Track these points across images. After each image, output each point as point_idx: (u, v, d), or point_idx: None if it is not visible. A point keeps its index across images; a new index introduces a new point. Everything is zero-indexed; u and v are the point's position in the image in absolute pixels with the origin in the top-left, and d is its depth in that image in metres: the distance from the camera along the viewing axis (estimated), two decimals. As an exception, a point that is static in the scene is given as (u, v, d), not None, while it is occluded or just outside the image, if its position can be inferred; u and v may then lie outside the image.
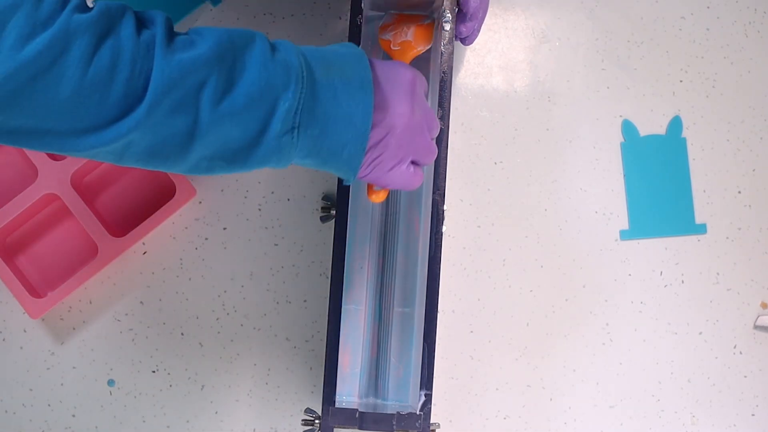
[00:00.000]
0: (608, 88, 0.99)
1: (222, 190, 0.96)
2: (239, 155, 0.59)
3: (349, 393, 0.81)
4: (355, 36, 0.78)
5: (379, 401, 0.82)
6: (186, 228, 0.96)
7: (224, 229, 0.96)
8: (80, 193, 0.91)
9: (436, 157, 0.71)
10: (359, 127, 0.61)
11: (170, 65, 0.54)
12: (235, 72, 0.56)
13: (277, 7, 0.98)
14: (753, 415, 1.00)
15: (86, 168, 0.93)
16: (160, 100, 0.53)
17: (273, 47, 0.59)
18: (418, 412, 0.75)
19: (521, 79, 0.99)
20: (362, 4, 0.78)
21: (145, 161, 0.57)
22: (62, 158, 0.91)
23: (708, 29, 1.01)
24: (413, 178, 0.69)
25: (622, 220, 0.99)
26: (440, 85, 0.79)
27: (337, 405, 0.77)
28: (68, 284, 0.90)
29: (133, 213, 0.95)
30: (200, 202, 0.96)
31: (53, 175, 0.91)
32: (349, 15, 0.79)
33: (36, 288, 0.93)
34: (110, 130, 0.53)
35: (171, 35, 0.56)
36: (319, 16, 0.98)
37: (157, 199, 0.94)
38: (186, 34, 0.58)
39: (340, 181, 0.79)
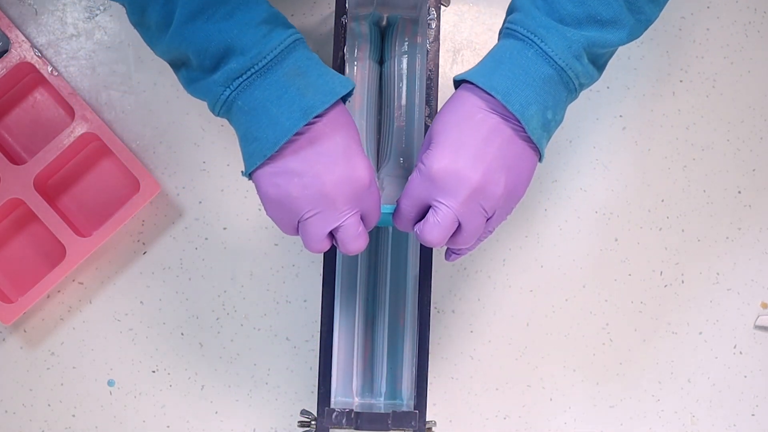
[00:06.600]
0: (608, 87, 0.99)
1: (222, 190, 0.96)
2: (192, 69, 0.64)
3: (345, 393, 0.81)
4: (340, 35, 0.78)
5: (374, 401, 0.82)
6: (186, 228, 0.96)
7: (224, 229, 0.96)
8: (44, 196, 0.90)
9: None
10: (270, 138, 0.61)
11: None
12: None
13: (277, 7, 0.98)
14: (753, 415, 0.99)
15: (49, 170, 0.92)
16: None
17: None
18: (413, 411, 0.75)
19: (521, 79, 0.99)
20: (347, 4, 0.78)
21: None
22: (23, 162, 0.91)
23: (708, 29, 1.00)
24: (312, 239, 0.65)
25: (621, 220, 0.99)
26: (427, 83, 0.79)
27: (332, 405, 0.77)
28: (38, 288, 0.90)
29: (99, 212, 0.95)
30: (200, 202, 0.96)
31: (16, 180, 0.90)
32: (334, 14, 0.79)
33: (6, 293, 0.93)
34: None
35: None
36: (319, 15, 0.98)
37: (121, 195, 0.94)
38: None
39: None
